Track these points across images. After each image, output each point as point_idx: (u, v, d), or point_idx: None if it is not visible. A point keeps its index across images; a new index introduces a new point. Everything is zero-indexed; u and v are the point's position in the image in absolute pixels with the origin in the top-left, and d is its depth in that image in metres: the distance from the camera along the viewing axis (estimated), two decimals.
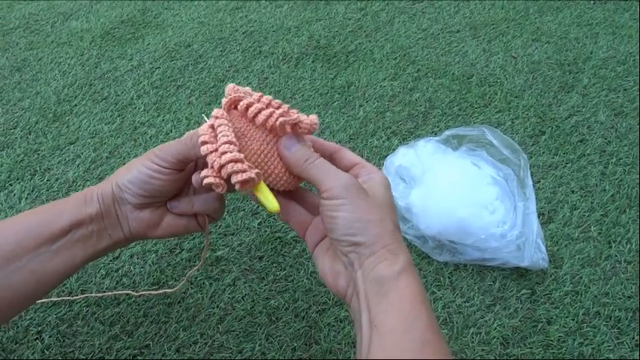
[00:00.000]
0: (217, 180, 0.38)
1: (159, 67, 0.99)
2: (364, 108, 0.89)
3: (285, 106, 0.40)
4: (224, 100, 0.41)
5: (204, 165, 0.41)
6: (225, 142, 0.38)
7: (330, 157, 0.43)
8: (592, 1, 1.19)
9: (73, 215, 0.41)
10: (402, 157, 0.72)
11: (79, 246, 0.42)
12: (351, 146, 0.82)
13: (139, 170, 0.41)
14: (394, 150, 0.76)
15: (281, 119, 0.39)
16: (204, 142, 0.39)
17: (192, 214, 0.45)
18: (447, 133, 0.75)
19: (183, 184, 0.45)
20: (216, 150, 0.38)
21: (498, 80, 0.96)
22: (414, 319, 0.34)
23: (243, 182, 0.37)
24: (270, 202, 0.39)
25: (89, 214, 0.42)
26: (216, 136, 0.39)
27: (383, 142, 0.83)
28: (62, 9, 1.18)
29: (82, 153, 0.81)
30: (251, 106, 0.40)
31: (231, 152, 0.37)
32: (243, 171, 0.37)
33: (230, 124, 0.39)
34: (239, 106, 0.40)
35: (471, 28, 1.11)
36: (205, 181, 0.39)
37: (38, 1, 1.22)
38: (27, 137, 0.84)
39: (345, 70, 0.99)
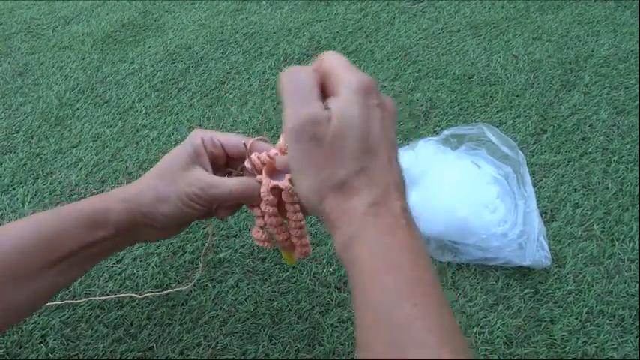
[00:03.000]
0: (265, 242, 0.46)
1: (160, 70, 1.00)
2: None
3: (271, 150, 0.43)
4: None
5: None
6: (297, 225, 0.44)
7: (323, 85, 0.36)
8: None
9: (84, 238, 0.41)
10: (400, 158, 0.72)
11: (87, 260, 0.44)
12: None
13: (177, 207, 0.41)
14: None
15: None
16: (265, 211, 0.43)
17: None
18: (446, 132, 0.75)
19: None
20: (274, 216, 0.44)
21: (499, 79, 0.96)
22: (376, 293, 0.31)
23: (305, 253, 0.46)
24: (291, 260, 0.48)
25: (102, 236, 0.42)
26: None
27: None
28: (63, 13, 1.19)
29: (84, 156, 0.81)
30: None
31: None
32: (306, 245, 0.46)
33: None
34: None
35: (472, 27, 1.10)
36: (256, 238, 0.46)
37: (39, 6, 1.22)
38: (29, 141, 0.85)
39: None
